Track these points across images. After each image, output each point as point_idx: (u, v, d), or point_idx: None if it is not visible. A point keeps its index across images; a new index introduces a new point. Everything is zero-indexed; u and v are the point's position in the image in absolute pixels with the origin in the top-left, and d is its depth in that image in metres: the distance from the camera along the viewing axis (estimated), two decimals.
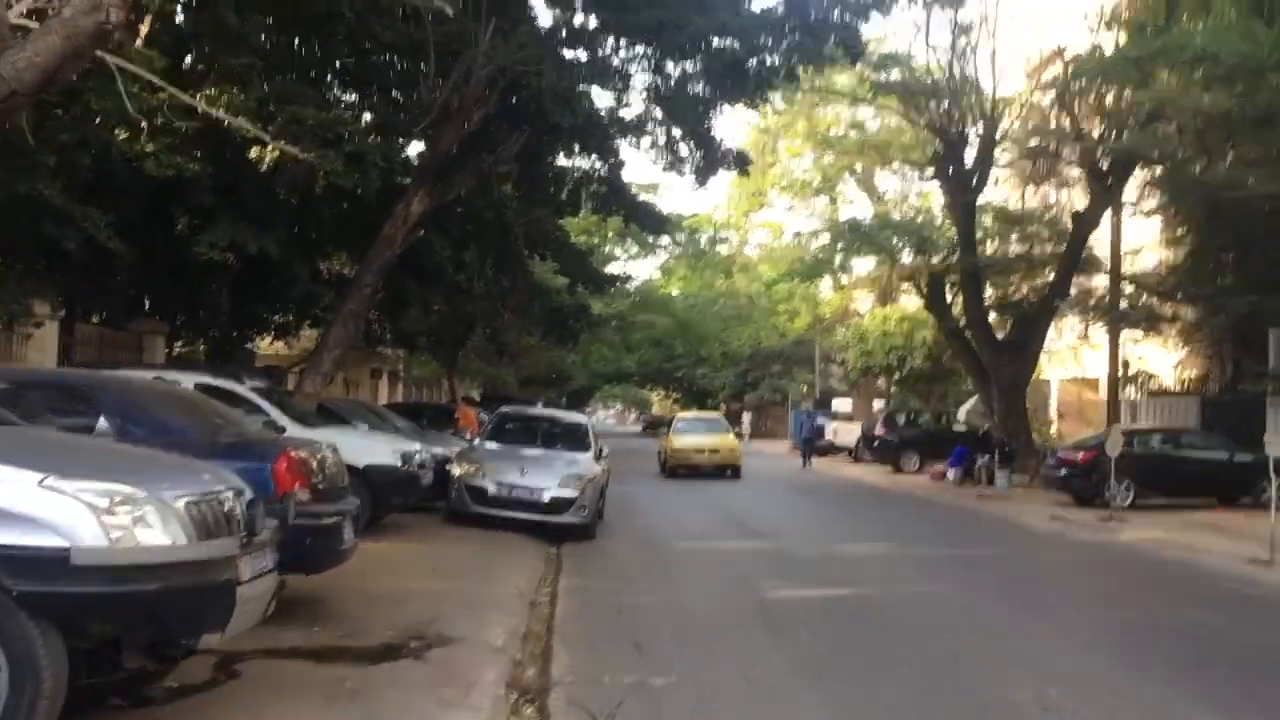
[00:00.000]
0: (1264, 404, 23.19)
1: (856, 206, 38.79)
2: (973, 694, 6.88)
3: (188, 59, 15.92)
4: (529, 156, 17.52)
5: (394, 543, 11.96)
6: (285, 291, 18.32)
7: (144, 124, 12.37)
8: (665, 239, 48.11)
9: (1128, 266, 28.11)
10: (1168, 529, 17.06)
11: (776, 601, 9.96)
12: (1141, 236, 29.94)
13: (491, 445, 15.14)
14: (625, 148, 20.42)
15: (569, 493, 13.82)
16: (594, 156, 20.47)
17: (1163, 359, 30.55)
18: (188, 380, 12.02)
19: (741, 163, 19.98)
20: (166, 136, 13.39)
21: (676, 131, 19.73)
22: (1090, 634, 9.07)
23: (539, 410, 18.74)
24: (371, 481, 12.03)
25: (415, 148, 18.87)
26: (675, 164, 20.26)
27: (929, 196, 36.30)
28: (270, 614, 5.76)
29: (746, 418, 58.34)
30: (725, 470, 27.22)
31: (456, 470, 14.16)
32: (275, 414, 11.98)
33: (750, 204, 42.63)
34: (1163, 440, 21.32)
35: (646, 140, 20.03)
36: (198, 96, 12.46)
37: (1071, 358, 36.78)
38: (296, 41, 16.97)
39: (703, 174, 20.05)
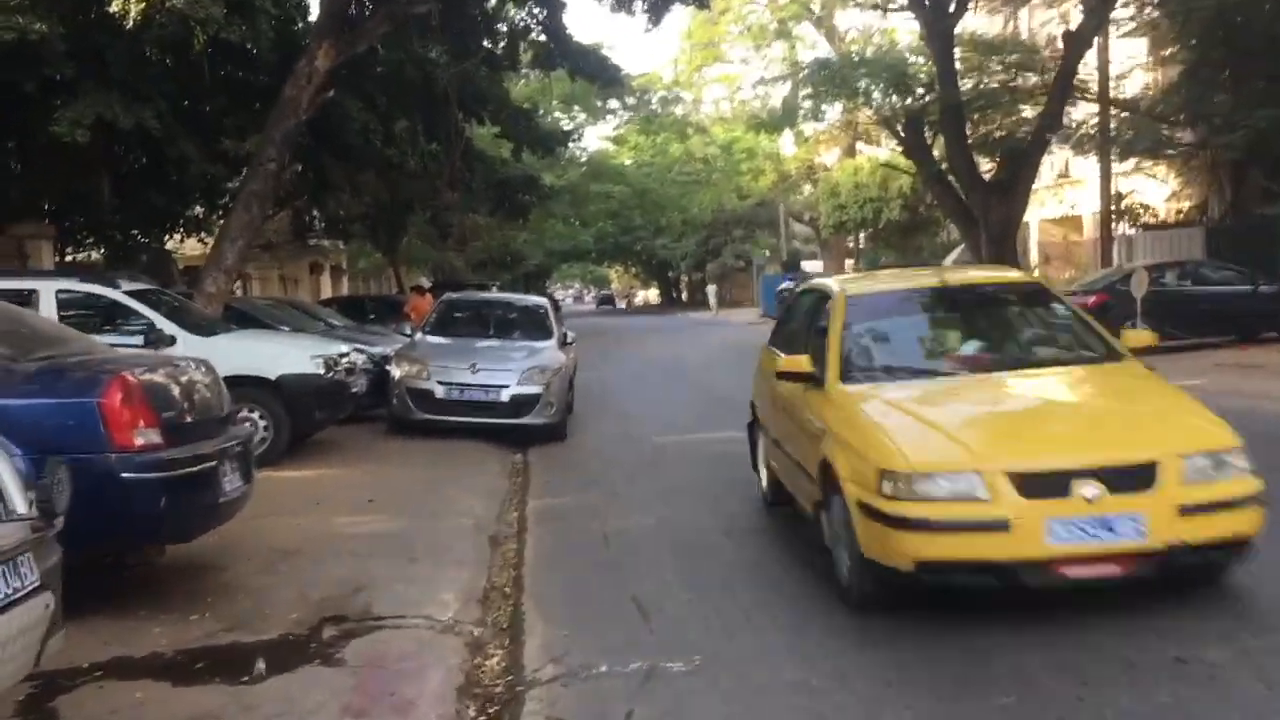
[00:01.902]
0: (1273, 230, 21.40)
1: (817, 52, 35.95)
2: None
3: None
4: None
5: (319, 469, 9.83)
6: (181, 178, 15.67)
7: None
8: (614, 103, 45.06)
9: (1114, 93, 25.90)
10: (1204, 373, 15.25)
11: None
12: (1125, 60, 27.67)
13: (436, 340, 12.87)
14: None
15: (532, 389, 11.69)
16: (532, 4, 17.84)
17: (1154, 191, 28.60)
18: (46, 287, 9.73)
19: None
20: None
21: None
22: None
23: (490, 294, 16.35)
24: (288, 395, 9.93)
25: None
26: (622, 2, 17.59)
27: (894, 33, 33.55)
28: (49, 653, 3.61)
29: (712, 290, 56.27)
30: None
31: (396, 372, 11.96)
32: (162, 323, 9.71)
33: (703, 57, 39.62)
34: (1180, 275, 19.37)
35: None
36: None
37: (1051, 197, 34.82)
38: None
39: (656, 9, 17.42)
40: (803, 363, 6.45)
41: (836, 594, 5.58)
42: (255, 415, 9.77)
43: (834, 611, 5.45)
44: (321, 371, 10.14)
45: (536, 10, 18.02)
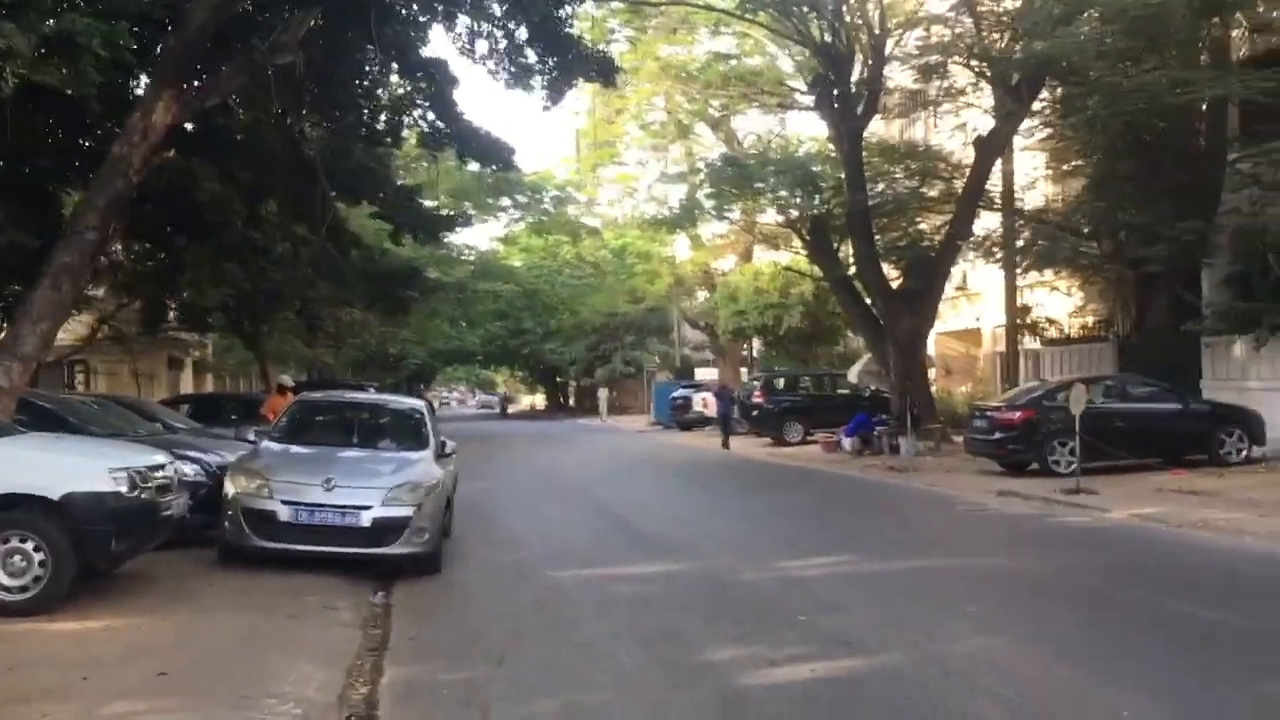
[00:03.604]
0: (1186, 346, 20.66)
1: (714, 156, 34.96)
2: None
3: None
4: (327, 55, 13.04)
5: (111, 618, 7.47)
6: None
7: None
8: (506, 200, 43.47)
9: (1018, 204, 25.33)
10: (1148, 500, 13.96)
11: (751, 693, 5.98)
12: (1027, 173, 27.29)
13: (286, 448, 10.63)
14: (455, 57, 16.05)
15: (400, 511, 9.53)
16: (418, 76, 16.13)
17: (1057, 305, 28.01)
18: None
19: (606, 71, 15.81)
20: None
21: (522, 32, 15.48)
22: None
23: (357, 396, 14.01)
24: (75, 519, 7.62)
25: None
26: (519, 77, 15.96)
27: (795, 138, 32.90)
28: None
29: (603, 395, 54.53)
30: None
31: (231, 488, 9.68)
32: None
33: (599, 156, 38.46)
34: (1107, 391, 18.26)
35: (482, 45, 15.72)
36: None
37: (949, 309, 34.21)
38: None
39: (556, 87, 15.84)
40: None
41: None
42: (28, 546, 7.46)
43: None
44: (123, 489, 7.84)
45: (423, 83, 16.26)
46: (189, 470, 10.88)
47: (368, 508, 9.47)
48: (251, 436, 10.83)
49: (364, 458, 10.56)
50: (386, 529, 9.49)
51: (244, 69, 11.22)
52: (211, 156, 14.75)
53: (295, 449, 10.60)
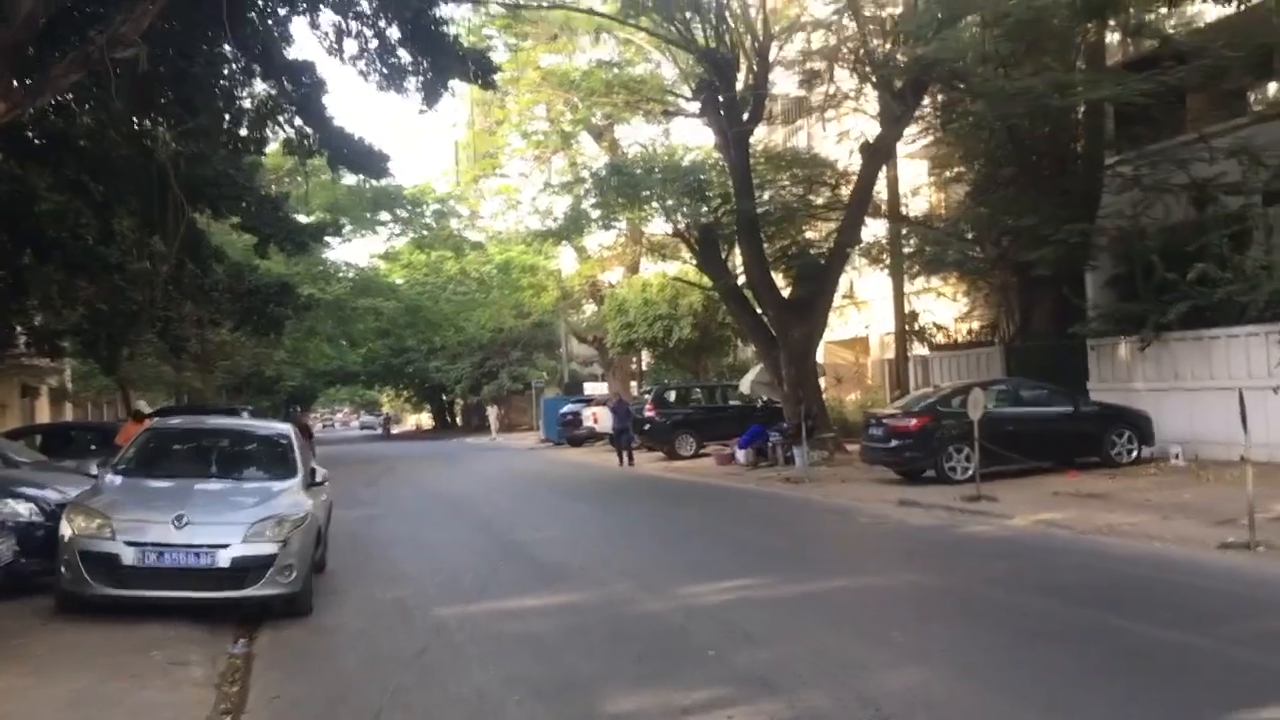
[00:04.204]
0: (1071, 349, 20.79)
1: (599, 164, 34.33)
2: None
3: None
4: (179, 52, 11.97)
5: None
6: None
7: None
8: (385, 215, 42.05)
9: (903, 210, 25.36)
10: (1049, 506, 13.76)
11: None
12: (909, 180, 27.41)
13: (132, 482, 9.53)
14: (323, 58, 15.09)
15: (263, 548, 8.55)
16: (284, 79, 15.11)
17: (943, 311, 28.14)
18: None
19: (484, 70, 15.04)
20: None
21: (394, 30, 14.61)
22: None
23: (216, 422, 12.69)
24: None
25: None
26: (392, 78, 15.10)
27: (679, 149, 32.48)
28: None
29: (492, 412, 53.39)
30: None
31: (67, 529, 8.57)
32: None
33: (481, 168, 37.47)
34: (1000, 396, 18.13)
35: (351, 45, 14.79)
36: None
37: (836, 318, 34.21)
38: None
39: (432, 88, 15.01)
40: None
41: None
42: None
43: None
44: None
45: (289, 85, 15.23)
46: (23, 510, 9.76)
47: (225, 546, 8.47)
48: (94, 470, 9.67)
49: (223, 490, 9.53)
50: (248, 569, 8.51)
51: (80, 64, 10.09)
52: (52, 165, 13.46)
53: (144, 483, 9.51)
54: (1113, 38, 21.16)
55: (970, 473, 16.71)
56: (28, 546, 9.46)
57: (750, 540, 13.04)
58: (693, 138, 32.49)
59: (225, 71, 13.63)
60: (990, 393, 17.86)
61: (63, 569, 8.51)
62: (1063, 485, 15.82)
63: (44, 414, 33.38)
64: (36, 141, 12.75)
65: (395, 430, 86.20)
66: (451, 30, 15.92)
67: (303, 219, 22.25)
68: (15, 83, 10.05)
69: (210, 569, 8.43)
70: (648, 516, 16.66)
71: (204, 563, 8.43)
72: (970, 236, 23.12)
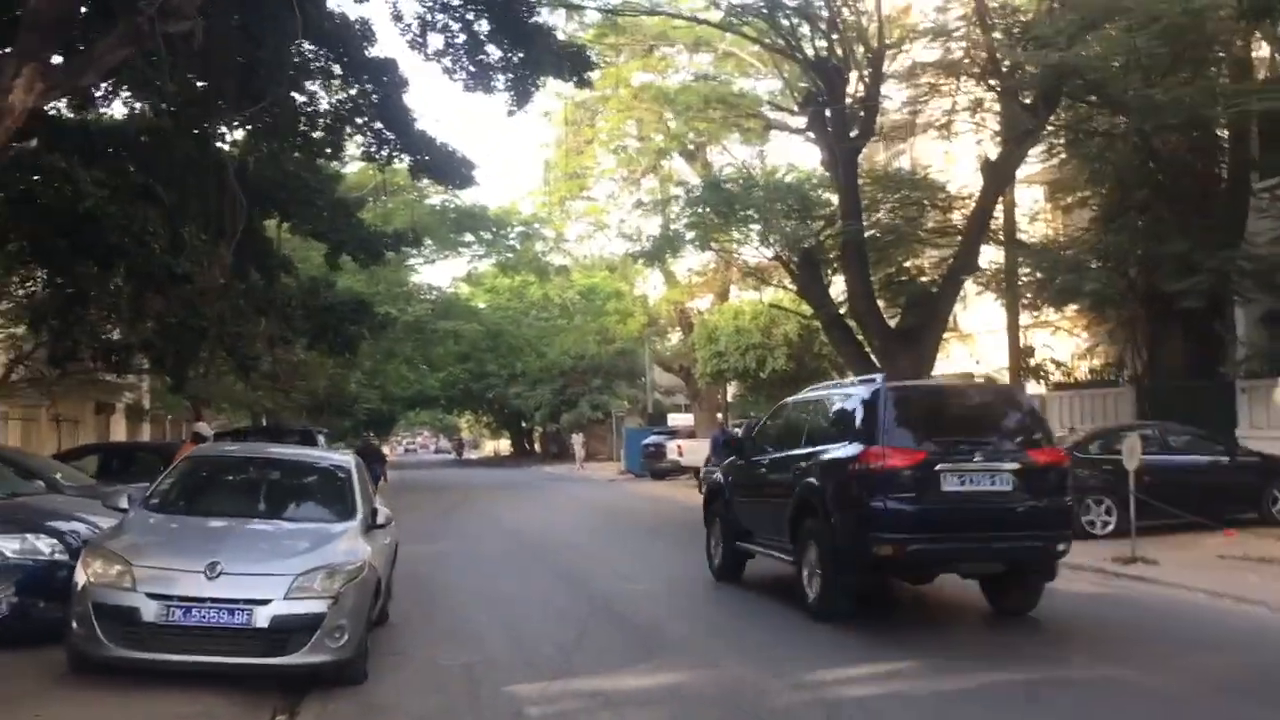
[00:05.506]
0: (1213, 390, 18.73)
1: (692, 183, 32.87)
2: None
3: None
4: (246, 35, 10.76)
5: None
6: None
7: None
8: (469, 236, 41.07)
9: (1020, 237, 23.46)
10: (1220, 571, 11.81)
11: None
12: (1027, 206, 25.52)
13: (162, 519, 8.17)
14: (404, 54, 13.88)
15: (310, 606, 7.12)
16: (364, 77, 13.92)
17: (1062, 346, 26.06)
18: None
19: (580, 66, 13.65)
20: None
21: (482, 23, 13.31)
22: None
23: (268, 451, 10.98)
24: None
25: None
26: (480, 76, 13.82)
27: (775, 169, 30.87)
28: None
29: (578, 440, 51.97)
30: None
31: (82, 576, 7.23)
32: None
33: (568, 189, 36.31)
34: (1147, 443, 16.09)
35: (436, 40, 13.53)
36: None
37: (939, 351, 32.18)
38: None
39: (522, 86, 13.69)
40: None
41: None
42: None
43: None
44: None
45: (369, 85, 14.03)
46: (44, 547, 8.50)
47: (266, 602, 7.05)
48: (124, 503, 8.35)
49: (267, 532, 8.14)
50: (291, 630, 7.08)
51: (128, 38, 8.87)
52: (110, 163, 12.36)
53: (176, 521, 8.15)
54: (1260, 50, 19.23)
55: (1110, 528, 14.92)
56: (48, 588, 8.20)
57: (886, 615, 10.89)
58: (789, 158, 30.85)
59: (297, 60, 12.41)
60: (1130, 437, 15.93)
61: (74, 624, 7.15)
62: (1223, 546, 13.84)
63: (120, 431, 32.78)
64: (89, 133, 11.63)
65: (471, 455, 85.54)
66: (544, 16, 14.68)
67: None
68: (54, 60, 8.85)
69: (246, 629, 7.01)
70: (752, 569, 14.80)
71: (239, 621, 7.01)
72: (1094, 265, 21.17)
